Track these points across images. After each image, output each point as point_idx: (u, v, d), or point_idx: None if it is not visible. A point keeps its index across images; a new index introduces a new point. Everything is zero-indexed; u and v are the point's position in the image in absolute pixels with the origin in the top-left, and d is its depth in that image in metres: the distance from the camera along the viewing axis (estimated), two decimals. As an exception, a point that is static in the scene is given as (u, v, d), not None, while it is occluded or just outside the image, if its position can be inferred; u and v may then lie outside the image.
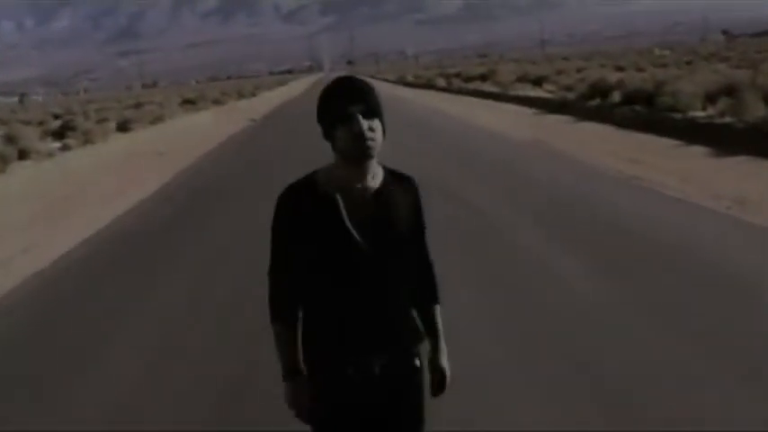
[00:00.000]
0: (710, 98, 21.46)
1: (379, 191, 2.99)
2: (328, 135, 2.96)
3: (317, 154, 3.60)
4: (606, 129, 22.61)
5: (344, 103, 2.89)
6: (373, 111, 2.91)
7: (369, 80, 3.09)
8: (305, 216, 2.93)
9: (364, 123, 2.87)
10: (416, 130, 25.85)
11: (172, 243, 11.90)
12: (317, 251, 2.94)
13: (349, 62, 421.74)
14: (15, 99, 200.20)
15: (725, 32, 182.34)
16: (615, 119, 23.65)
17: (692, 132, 18.61)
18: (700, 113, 20.63)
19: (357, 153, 2.90)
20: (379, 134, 2.92)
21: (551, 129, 23.82)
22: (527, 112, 31.71)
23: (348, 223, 2.91)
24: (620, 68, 49.62)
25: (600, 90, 28.70)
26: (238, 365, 6.35)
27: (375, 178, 3.00)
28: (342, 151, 2.92)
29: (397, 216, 3.00)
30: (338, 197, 2.93)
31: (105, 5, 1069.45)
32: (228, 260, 10.24)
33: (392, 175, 3.07)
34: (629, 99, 25.32)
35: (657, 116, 21.59)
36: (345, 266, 2.94)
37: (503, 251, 9.48)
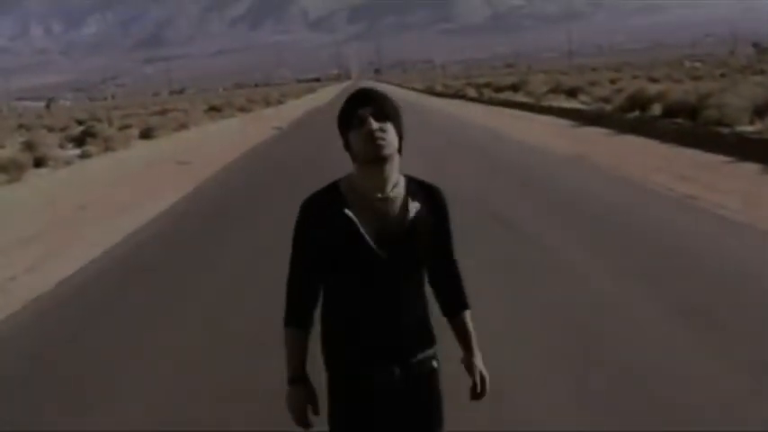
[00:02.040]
0: (758, 112, 20.38)
1: (399, 199, 3.00)
2: (347, 144, 3.02)
3: (344, 164, 3.16)
4: (649, 142, 21.56)
5: (356, 107, 2.97)
6: (385, 114, 2.97)
7: (384, 90, 3.15)
8: (325, 224, 2.97)
9: (374, 124, 2.92)
10: (459, 147, 25.20)
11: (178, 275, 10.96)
12: (336, 258, 2.98)
13: (376, 70, 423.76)
14: (42, 104, 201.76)
15: (755, 45, 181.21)
16: (657, 132, 22.60)
17: (742, 148, 17.62)
18: (748, 128, 19.58)
19: (369, 154, 2.93)
20: (391, 136, 2.95)
21: (593, 142, 22.79)
22: (564, 123, 30.67)
23: (363, 231, 2.94)
24: (653, 80, 48.53)
25: (639, 102, 27.58)
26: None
27: (396, 187, 3.02)
28: (357, 155, 2.97)
29: (416, 225, 2.99)
30: (356, 206, 2.96)
31: (133, 12, 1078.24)
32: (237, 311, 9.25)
33: (416, 185, 3.08)
34: (671, 112, 24.29)
35: (703, 130, 20.56)
36: (362, 274, 2.97)
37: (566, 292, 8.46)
